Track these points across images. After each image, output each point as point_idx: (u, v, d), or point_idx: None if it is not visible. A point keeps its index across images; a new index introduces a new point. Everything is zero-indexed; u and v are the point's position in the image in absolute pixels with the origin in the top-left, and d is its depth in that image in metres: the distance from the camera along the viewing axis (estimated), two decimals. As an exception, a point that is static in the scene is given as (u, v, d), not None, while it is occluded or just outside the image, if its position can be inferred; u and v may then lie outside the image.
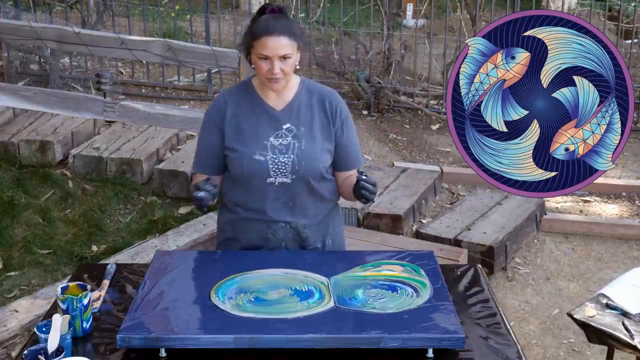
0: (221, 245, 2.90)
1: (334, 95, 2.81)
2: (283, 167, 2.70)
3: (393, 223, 4.97)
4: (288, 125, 2.72)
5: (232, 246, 2.85)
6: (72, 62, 7.38)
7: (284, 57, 2.62)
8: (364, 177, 2.60)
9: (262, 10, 2.67)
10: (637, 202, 5.61)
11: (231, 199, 2.81)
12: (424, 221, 5.17)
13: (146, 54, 4.63)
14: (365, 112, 6.96)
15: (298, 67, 2.71)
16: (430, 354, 2.17)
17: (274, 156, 2.70)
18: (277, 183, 2.71)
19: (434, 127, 6.80)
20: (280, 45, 2.60)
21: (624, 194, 5.71)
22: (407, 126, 6.82)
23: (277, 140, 2.71)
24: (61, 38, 4.72)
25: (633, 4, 7.80)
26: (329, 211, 2.85)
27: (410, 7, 8.85)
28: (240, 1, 9.18)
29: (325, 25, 7.31)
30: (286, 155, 2.70)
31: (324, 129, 2.75)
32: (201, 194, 2.59)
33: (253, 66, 2.69)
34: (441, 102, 7.07)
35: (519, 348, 2.29)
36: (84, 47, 4.72)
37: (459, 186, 5.74)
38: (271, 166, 2.70)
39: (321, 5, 7.37)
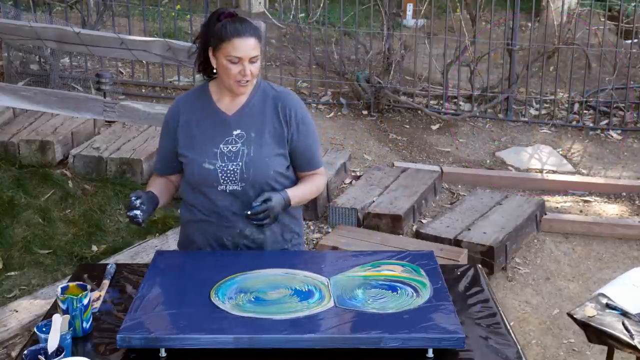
0: (181, 243, 2.91)
1: (289, 97, 2.76)
2: (232, 175, 2.68)
3: (393, 223, 4.97)
4: (238, 131, 2.70)
5: (190, 247, 2.84)
6: (72, 62, 7.37)
7: (253, 59, 2.62)
8: (248, 212, 2.62)
9: (218, 16, 2.67)
10: (637, 202, 5.61)
11: (187, 199, 2.81)
12: (424, 221, 5.16)
13: (146, 54, 4.62)
14: (365, 112, 6.96)
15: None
16: (430, 354, 2.18)
17: (223, 164, 2.67)
18: (227, 190, 2.70)
19: (434, 127, 6.80)
20: (250, 46, 2.60)
21: (624, 194, 5.71)
22: (407, 126, 6.81)
23: (227, 147, 2.68)
24: (61, 38, 4.71)
25: (633, 4, 7.79)
26: (284, 217, 2.79)
27: (410, 7, 8.85)
28: (240, 1, 9.17)
29: (325, 25, 7.30)
30: (234, 163, 2.67)
31: (275, 134, 2.71)
32: (135, 212, 2.58)
33: (207, 77, 2.72)
34: (441, 102, 7.07)
35: (519, 348, 2.29)
36: (84, 47, 4.71)
37: (459, 186, 5.74)
38: (220, 174, 2.68)
39: (321, 5, 7.35)
